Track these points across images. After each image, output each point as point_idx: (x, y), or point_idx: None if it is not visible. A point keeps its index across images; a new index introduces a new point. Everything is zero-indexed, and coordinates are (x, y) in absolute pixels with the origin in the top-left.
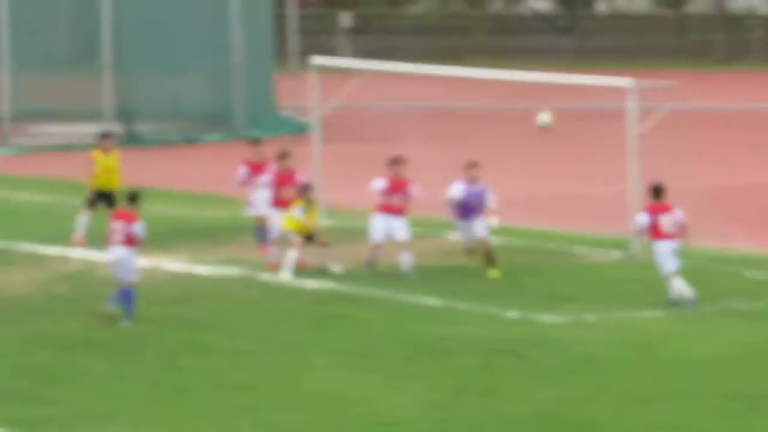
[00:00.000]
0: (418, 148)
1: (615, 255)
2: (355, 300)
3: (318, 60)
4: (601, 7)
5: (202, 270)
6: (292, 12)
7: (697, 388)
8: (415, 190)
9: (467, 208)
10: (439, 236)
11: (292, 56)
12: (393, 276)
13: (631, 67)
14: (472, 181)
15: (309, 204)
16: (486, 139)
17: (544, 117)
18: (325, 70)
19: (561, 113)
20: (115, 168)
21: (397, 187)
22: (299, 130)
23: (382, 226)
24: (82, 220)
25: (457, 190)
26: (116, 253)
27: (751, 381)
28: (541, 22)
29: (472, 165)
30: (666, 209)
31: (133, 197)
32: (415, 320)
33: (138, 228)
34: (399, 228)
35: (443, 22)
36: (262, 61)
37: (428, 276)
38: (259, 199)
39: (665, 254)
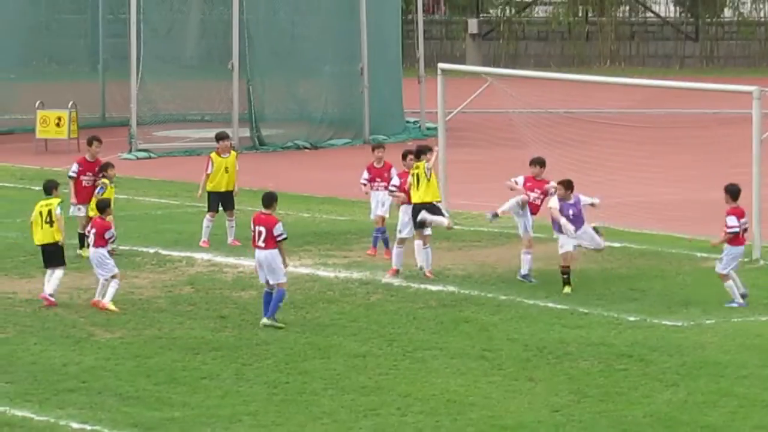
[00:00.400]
0: (542, 153)
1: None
2: (476, 303)
3: (444, 65)
4: (727, 13)
5: (327, 273)
6: (420, 18)
7: None
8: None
9: (575, 221)
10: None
11: (420, 62)
12: (514, 279)
13: (757, 73)
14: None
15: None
16: (609, 145)
17: None
18: (451, 76)
19: (685, 119)
20: (231, 169)
21: (537, 185)
22: (425, 135)
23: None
24: (206, 224)
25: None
26: (261, 256)
27: None
28: (667, 29)
29: (562, 186)
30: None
31: (269, 199)
32: (536, 324)
33: (279, 229)
34: (528, 229)
35: (569, 28)
36: (389, 67)
37: (549, 279)
38: (380, 200)
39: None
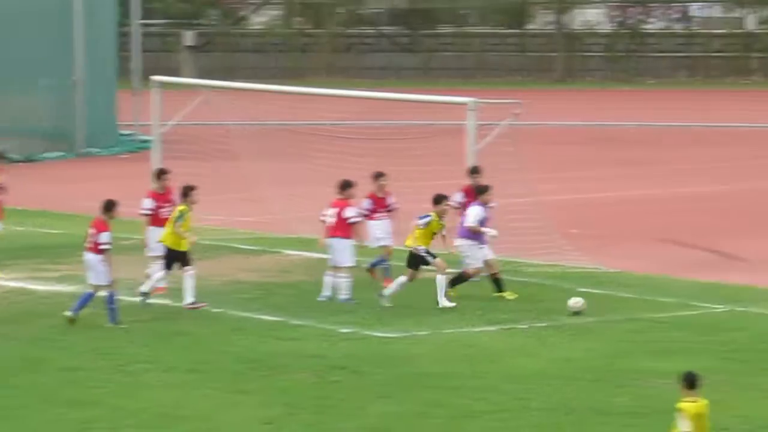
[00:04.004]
0: (258, 165)
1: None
2: (190, 316)
3: (158, 78)
4: (444, 26)
5: (38, 286)
6: (136, 30)
7: (526, 403)
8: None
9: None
10: (280, 253)
11: (135, 74)
12: (228, 292)
13: (473, 85)
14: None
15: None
16: (327, 157)
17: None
18: (167, 88)
19: (402, 130)
20: None
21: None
22: (140, 148)
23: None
24: None
25: (477, 214)
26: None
27: (578, 395)
28: (383, 41)
29: (485, 190)
30: None
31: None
32: (249, 336)
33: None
34: None
35: (285, 40)
36: (103, 80)
37: (264, 292)
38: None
39: None
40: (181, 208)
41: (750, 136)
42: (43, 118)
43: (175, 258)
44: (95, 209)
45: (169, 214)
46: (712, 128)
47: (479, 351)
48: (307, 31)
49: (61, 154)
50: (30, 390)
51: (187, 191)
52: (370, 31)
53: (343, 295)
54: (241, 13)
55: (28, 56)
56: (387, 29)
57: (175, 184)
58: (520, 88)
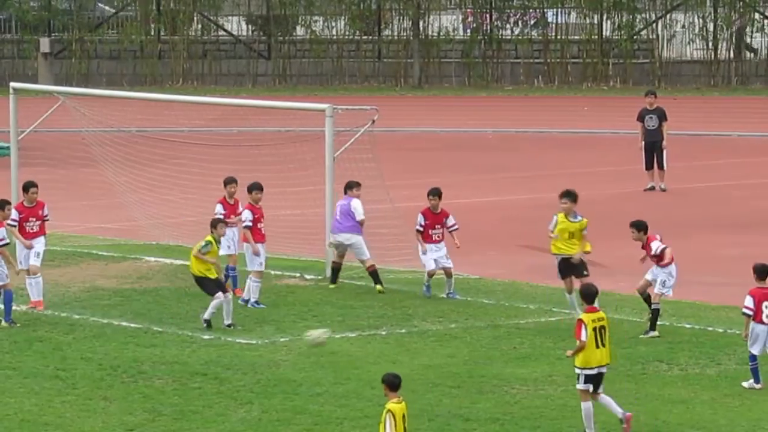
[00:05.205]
0: (115, 172)
1: (310, 278)
2: (50, 322)
3: (16, 84)
4: (300, 32)
5: None
6: None
7: None
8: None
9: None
10: (139, 259)
11: None
12: (89, 298)
13: (329, 91)
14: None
15: None
16: (183, 164)
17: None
18: (23, 95)
19: (259, 137)
20: None
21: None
22: None
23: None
24: None
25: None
26: None
27: (441, 401)
28: (239, 47)
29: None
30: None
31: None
32: (110, 342)
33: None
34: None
35: (142, 46)
36: None
37: (124, 298)
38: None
39: None
40: (208, 238)
41: (605, 142)
42: None
43: (207, 285)
44: None
45: (33, 229)
46: (569, 134)
47: (341, 357)
48: (163, 37)
49: None
50: None
51: (215, 223)
52: (226, 37)
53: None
54: (98, 20)
55: None
56: (243, 36)
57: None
58: (377, 95)
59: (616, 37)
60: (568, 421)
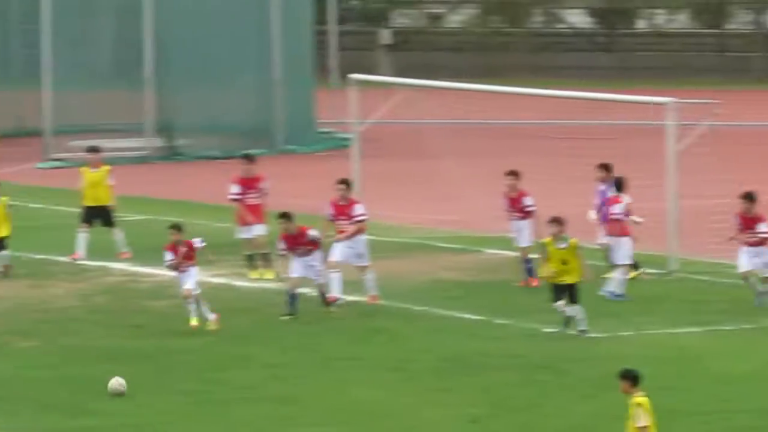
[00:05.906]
0: (455, 164)
1: (652, 272)
2: (393, 314)
3: (357, 76)
4: (641, 25)
5: (243, 283)
6: (333, 29)
7: (735, 405)
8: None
9: None
10: (480, 251)
11: (332, 72)
12: (430, 290)
13: (670, 85)
14: None
15: None
16: (521, 157)
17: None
18: (364, 86)
19: (597, 130)
20: (102, 183)
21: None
22: (339, 145)
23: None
24: (80, 236)
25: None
26: None
27: None
28: (581, 40)
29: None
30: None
31: None
32: (451, 335)
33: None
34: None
35: (482, 39)
36: (302, 77)
37: (466, 290)
38: None
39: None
40: (545, 240)
41: None
42: (242, 116)
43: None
44: (300, 207)
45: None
46: None
47: (684, 353)
48: (504, 29)
49: (262, 151)
50: (237, 385)
51: (554, 220)
52: (566, 30)
53: (613, 289)
54: (437, 12)
55: (226, 54)
56: (584, 28)
57: (378, 180)
58: (716, 89)
59: None
60: None
